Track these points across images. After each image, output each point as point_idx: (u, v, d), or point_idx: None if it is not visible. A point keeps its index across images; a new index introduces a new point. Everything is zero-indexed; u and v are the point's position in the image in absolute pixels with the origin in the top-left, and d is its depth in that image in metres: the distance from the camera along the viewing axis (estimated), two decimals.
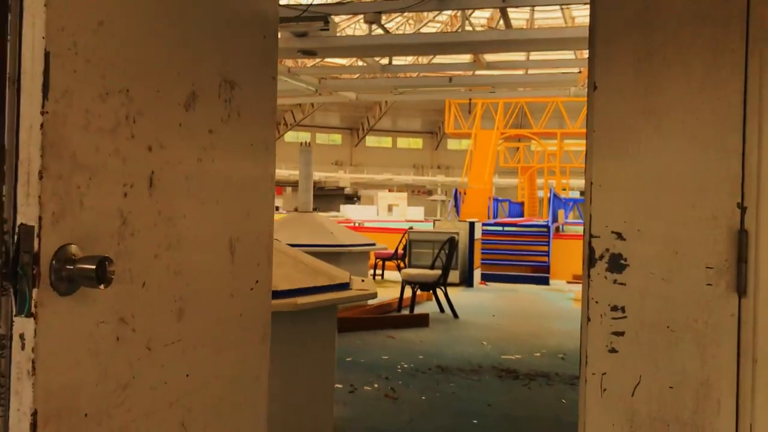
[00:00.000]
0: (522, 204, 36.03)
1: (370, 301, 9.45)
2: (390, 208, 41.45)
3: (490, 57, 10.06)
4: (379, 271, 13.61)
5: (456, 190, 17.04)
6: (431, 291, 9.34)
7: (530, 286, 13.52)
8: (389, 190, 46.36)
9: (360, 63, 10.46)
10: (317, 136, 51.82)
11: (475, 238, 13.03)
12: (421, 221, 37.07)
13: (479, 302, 10.94)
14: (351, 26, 27.48)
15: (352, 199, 48.88)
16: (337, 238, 8.44)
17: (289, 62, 11.19)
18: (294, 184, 50.03)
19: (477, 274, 13.07)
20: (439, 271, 9.11)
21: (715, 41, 2.06)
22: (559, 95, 13.02)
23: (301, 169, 9.15)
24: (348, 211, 41.38)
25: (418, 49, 9.52)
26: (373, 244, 8.90)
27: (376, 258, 13.13)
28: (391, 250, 13.21)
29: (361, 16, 8.86)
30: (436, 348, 7.15)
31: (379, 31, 9.14)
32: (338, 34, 9.29)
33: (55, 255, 1.16)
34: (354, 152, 52.37)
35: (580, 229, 22.82)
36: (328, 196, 49.78)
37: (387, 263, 13.55)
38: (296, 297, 3.59)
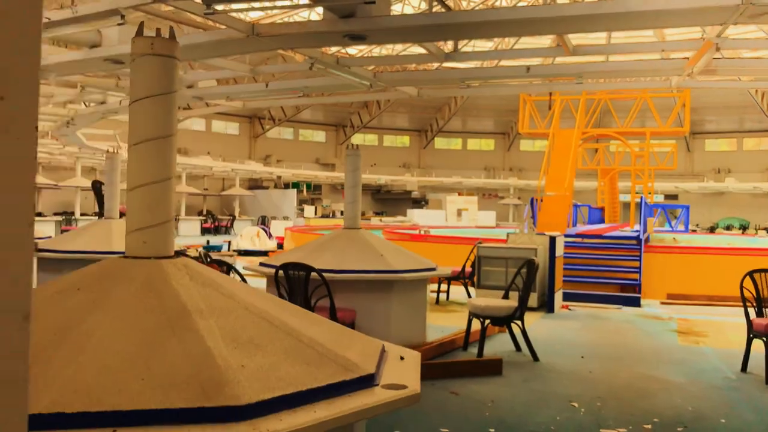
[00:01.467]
0: (602, 209, 33.59)
1: (430, 337, 7.82)
2: (459, 212, 39.59)
3: (575, 40, 8.26)
4: (443, 290, 11.95)
5: (533, 199, 15.15)
6: (505, 326, 7.63)
7: (621, 312, 11.56)
8: (459, 194, 44.46)
9: (420, 51, 8.77)
10: (385, 138, 50.45)
11: (556, 255, 11.18)
12: (493, 227, 35.12)
13: (563, 335, 9.12)
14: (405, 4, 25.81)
15: (419, 203, 47.24)
16: (389, 262, 6.83)
17: (335, 51, 9.67)
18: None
19: (558, 296, 11.21)
20: (515, 303, 7.38)
21: None
22: (657, 86, 11.04)
23: (347, 176, 7.60)
24: (415, 215, 39.76)
25: (490, 29, 7.79)
26: (434, 269, 7.27)
27: (439, 277, 11.47)
28: (457, 268, 11.51)
29: None
30: (512, 413, 5.44)
31: (441, 9, 7.52)
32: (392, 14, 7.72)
33: None
34: (422, 154, 50.72)
35: (670, 239, 20.51)
36: (396, 200, 48.32)
37: (453, 282, 11.86)
38: (269, 415, 2.05)
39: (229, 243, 22.34)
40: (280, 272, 6.32)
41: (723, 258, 14.33)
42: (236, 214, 39.26)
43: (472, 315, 7.55)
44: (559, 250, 11.56)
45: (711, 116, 42.18)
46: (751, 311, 7.05)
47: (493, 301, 7.60)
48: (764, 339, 6.70)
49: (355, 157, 7.62)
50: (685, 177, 42.70)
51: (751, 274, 7.01)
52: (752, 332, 6.93)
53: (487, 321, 7.45)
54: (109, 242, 8.16)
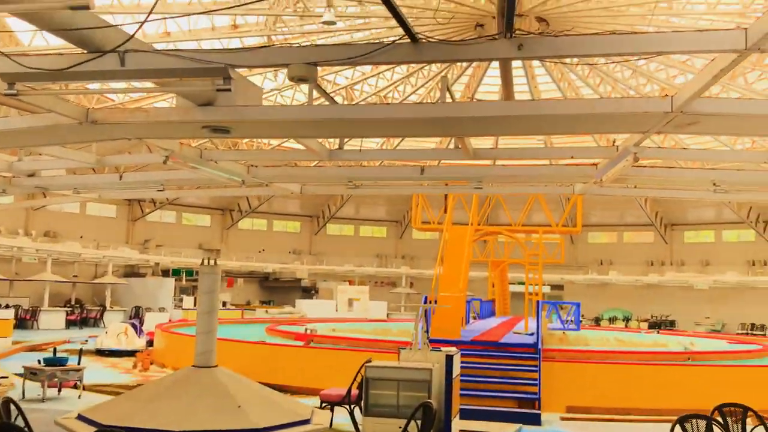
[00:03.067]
0: (493, 302, 33.20)
1: None
2: (350, 302, 38.12)
3: (477, 143, 7.31)
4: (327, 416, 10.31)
5: (425, 298, 14.00)
6: None
7: None
8: (350, 282, 43.17)
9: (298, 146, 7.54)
10: (275, 223, 48.80)
11: (453, 375, 9.93)
12: (384, 320, 33.82)
13: None
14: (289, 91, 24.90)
15: (309, 291, 45.45)
16: (249, 417, 5.28)
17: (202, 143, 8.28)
18: (247, 276, 46.65)
19: (456, 425, 9.87)
20: None
21: None
22: (562, 191, 10.41)
23: (201, 299, 6.04)
24: (304, 306, 37.93)
25: (378, 127, 6.68)
26: (307, 421, 5.77)
27: (322, 402, 9.90)
28: (341, 390, 10.00)
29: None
30: None
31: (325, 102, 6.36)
32: (268, 103, 6.46)
33: None
34: (314, 240, 49.32)
35: (567, 343, 19.96)
36: (285, 288, 46.27)
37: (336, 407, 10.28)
38: None
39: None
40: None
41: (624, 368, 13.69)
42: (107, 304, 35.90)
43: None
44: (457, 369, 10.32)
45: (594, 210, 43.61)
46: None
47: None
48: None
49: (211, 276, 6.10)
50: (570, 268, 43.53)
51: (681, 422, 5.96)
52: None
53: None
54: None
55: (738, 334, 36.19)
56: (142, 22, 4.99)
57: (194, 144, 8.30)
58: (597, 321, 41.74)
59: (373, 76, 25.70)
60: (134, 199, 42.65)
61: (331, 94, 23.66)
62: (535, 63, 24.30)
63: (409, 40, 4.56)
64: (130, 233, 42.92)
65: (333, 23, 18.63)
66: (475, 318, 25.11)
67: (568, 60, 21.48)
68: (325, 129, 6.15)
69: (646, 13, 18.90)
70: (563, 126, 5.77)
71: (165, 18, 18.58)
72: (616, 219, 46.24)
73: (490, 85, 25.47)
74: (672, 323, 40.57)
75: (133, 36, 4.47)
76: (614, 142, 7.87)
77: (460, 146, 6.66)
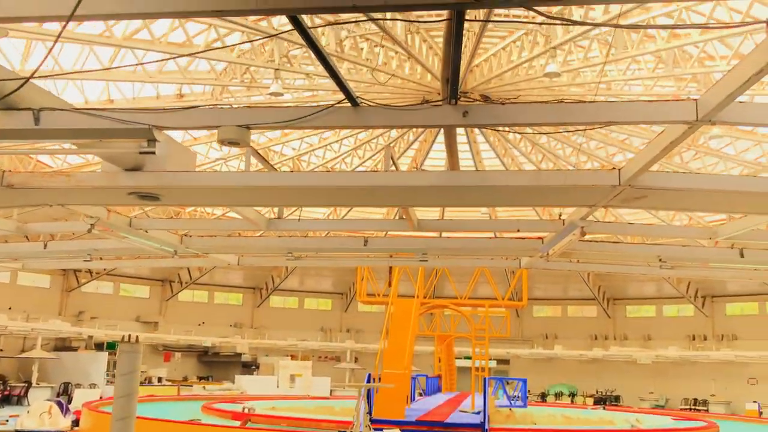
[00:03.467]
0: (439, 377, 32.61)
1: None
2: (292, 378, 36.81)
3: (422, 214, 7.08)
4: None
5: (367, 381, 13.44)
6: None
7: None
8: (292, 357, 41.93)
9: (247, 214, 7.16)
10: (216, 294, 47.43)
11: None
12: (327, 398, 32.70)
13: None
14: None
15: (250, 366, 43.90)
16: None
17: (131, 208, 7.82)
18: (186, 350, 44.78)
19: None
20: None
21: None
22: (508, 265, 10.25)
23: (119, 381, 5.46)
24: (244, 382, 36.46)
25: (317, 196, 6.38)
26: None
27: None
28: None
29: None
30: None
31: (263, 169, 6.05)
32: (202, 169, 6.10)
33: None
34: (256, 313, 48.01)
35: (514, 421, 19.49)
36: (225, 363, 44.56)
37: None
38: None
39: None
40: None
41: None
42: (33, 380, 33.73)
43: None
44: None
45: (539, 283, 43.90)
46: None
47: None
48: None
49: (131, 355, 5.55)
50: (515, 342, 43.38)
51: None
52: None
53: None
54: None
55: (681, 409, 36.33)
56: (32, 74, 4.64)
57: (133, 213, 7.84)
58: (543, 396, 41.39)
59: (320, 147, 25.66)
60: (70, 268, 40.98)
61: (278, 164, 23.44)
62: (480, 138, 24.71)
63: (350, 104, 4.35)
64: (63, 304, 40.96)
65: (280, 94, 18.61)
66: (421, 395, 24.50)
67: (511, 135, 21.90)
68: (261, 197, 5.82)
69: (586, 92, 19.50)
70: (509, 198, 5.59)
71: (108, 82, 18.24)
72: (561, 293, 46.60)
73: (437, 159, 25.70)
74: (617, 398, 40.52)
75: (26, 81, 4.10)
76: (560, 215, 7.77)
77: (404, 217, 6.40)
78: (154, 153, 4.25)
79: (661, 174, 4.78)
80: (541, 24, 14.40)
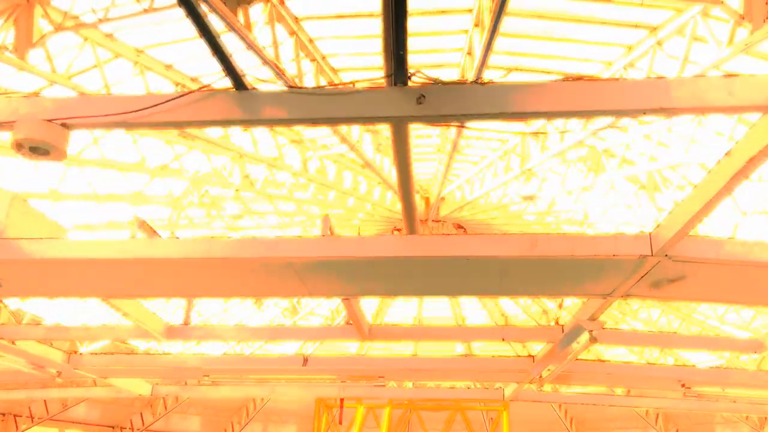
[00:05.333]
0: None
1: None
2: None
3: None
4: None
5: None
6: None
7: None
8: None
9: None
10: None
11: None
12: None
13: None
14: None
15: None
16: None
17: None
18: None
19: None
20: None
21: None
22: (488, 397, 8.58)
23: None
24: None
25: (219, 276, 4.91)
26: None
27: None
28: None
29: None
30: None
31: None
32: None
33: None
34: None
35: None
36: None
37: None
38: None
39: None
40: None
41: None
42: None
43: None
44: None
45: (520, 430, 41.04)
46: None
47: None
48: None
49: None
50: None
51: None
52: None
53: None
54: None
55: None
56: None
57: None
58: None
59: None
60: None
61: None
62: None
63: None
64: None
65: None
66: None
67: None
68: (146, 279, 4.35)
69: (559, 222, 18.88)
70: (492, 282, 4.21)
71: None
72: None
73: None
74: None
75: None
76: (557, 320, 6.33)
77: (351, 322, 4.93)
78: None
79: (707, 241, 3.45)
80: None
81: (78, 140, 14.83)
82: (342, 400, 13.62)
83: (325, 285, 4.47)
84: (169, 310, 15.46)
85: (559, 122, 13.34)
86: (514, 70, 12.43)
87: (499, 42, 8.53)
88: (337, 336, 6.59)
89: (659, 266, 3.39)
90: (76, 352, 6.54)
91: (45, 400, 38.10)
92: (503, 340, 6.65)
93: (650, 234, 3.56)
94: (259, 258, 4.19)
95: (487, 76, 9.57)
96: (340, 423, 14.15)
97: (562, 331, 5.43)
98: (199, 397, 34.98)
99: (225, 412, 43.05)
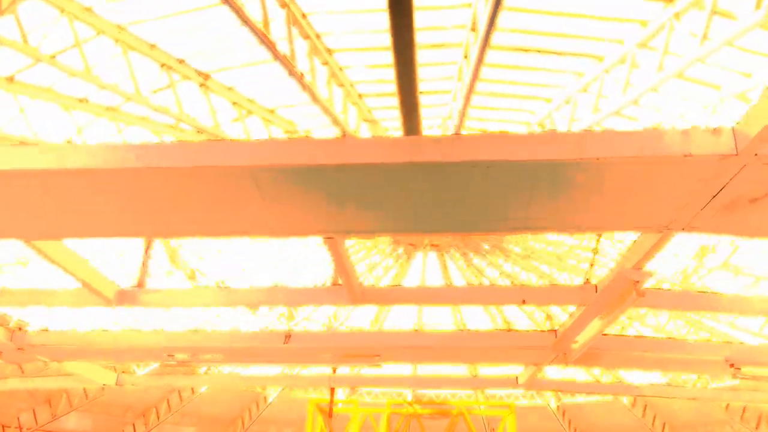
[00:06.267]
0: None
1: None
2: None
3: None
4: None
5: None
6: None
7: None
8: None
9: None
10: None
11: None
12: None
13: None
14: None
15: None
16: None
17: None
18: None
19: None
20: None
21: None
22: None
23: None
24: None
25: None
26: None
27: None
28: None
29: None
30: None
31: None
32: None
33: None
34: None
35: None
36: None
37: None
38: None
39: None
40: None
41: None
42: None
43: None
44: None
45: None
46: None
47: None
48: None
49: None
50: None
51: None
52: None
53: None
54: None
55: None
56: None
57: None
58: None
59: None
60: None
61: None
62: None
63: None
64: None
65: None
66: None
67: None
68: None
69: None
70: (492, 215, 3.45)
71: None
72: None
73: None
74: None
75: None
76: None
77: (339, 282, 4.08)
78: None
79: None
80: None
81: None
82: (333, 389, 12.70)
83: (295, 212, 3.57)
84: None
85: None
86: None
87: None
88: (324, 299, 5.86)
89: (745, 173, 2.54)
90: (21, 329, 5.77)
91: (33, 409, 37.50)
92: (523, 302, 5.83)
93: (733, 129, 2.70)
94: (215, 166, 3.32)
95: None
96: (330, 416, 13.20)
97: (596, 291, 4.61)
98: (194, 408, 34.47)
99: (220, 422, 42.03)
